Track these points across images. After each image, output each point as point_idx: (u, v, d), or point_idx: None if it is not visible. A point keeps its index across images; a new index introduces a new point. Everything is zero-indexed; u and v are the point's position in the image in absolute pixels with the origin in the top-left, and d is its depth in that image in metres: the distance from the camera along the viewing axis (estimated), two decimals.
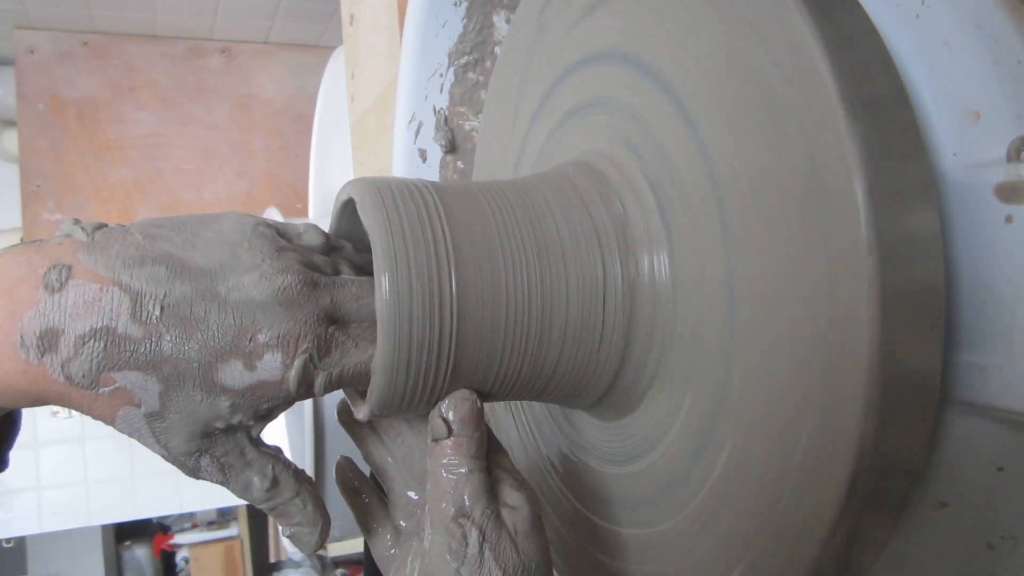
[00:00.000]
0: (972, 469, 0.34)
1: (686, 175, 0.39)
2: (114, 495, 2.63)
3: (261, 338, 0.35)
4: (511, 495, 0.40)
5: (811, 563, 0.33)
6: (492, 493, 0.40)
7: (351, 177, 1.35)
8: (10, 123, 2.30)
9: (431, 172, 0.74)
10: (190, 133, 2.14)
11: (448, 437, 0.40)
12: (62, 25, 2.05)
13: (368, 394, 0.39)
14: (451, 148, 0.73)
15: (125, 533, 3.08)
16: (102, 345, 0.33)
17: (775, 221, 0.34)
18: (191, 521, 3.12)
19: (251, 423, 0.38)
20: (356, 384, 0.39)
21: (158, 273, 0.35)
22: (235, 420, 0.37)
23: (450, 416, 0.40)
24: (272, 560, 2.93)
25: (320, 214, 1.68)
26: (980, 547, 0.34)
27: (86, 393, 0.34)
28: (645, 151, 0.42)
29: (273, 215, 1.45)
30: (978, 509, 0.34)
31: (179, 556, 3.09)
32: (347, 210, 0.42)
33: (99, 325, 0.33)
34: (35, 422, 2.55)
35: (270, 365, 0.36)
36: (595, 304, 0.41)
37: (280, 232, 0.40)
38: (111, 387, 0.34)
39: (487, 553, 0.38)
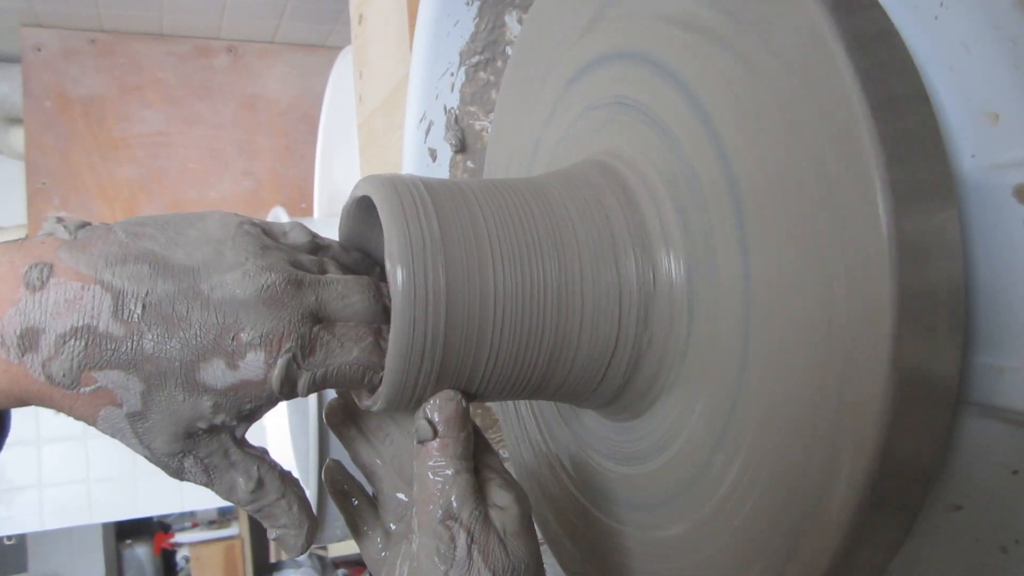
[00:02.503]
0: (986, 472, 0.34)
1: (703, 175, 0.39)
2: (115, 493, 2.63)
3: (244, 337, 0.35)
4: (500, 495, 0.40)
5: (825, 565, 0.33)
6: (480, 494, 0.40)
7: (357, 177, 1.35)
8: (16, 120, 2.30)
9: (441, 171, 0.74)
10: (196, 132, 2.14)
11: (434, 439, 0.39)
12: (69, 23, 2.05)
13: (381, 386, 0.39)
14: (461, 147, 0.72)
15: (126, 531, 3.07)
16: (83, 344, 0.33)
17: (793, 221, 0.34)
18: (192, 520, 3.12)
19: (234, 423, 0.37)
20: (340, 385, 0.39)
21: (140, 271, 0.34)
22: (218, 420, 0.36)
23: (435, 417, 0.39)
24: (272, 560, 2.93)
25: (325, 214, 1.68)
26: (993, 550, 0.34)
27: (67, 393, 0.34)
28: (661, 151, 0.42)
29: (279, 215, 1.45)
30: (992, 512, 0.34)
31: (179, 555, 3.09)
32: (359, 206, 0.42)
33: (80, 324, 0.33)
34: (37, 419, 2.55)
35: (253, 364, 0.35)
36: (609, 304, 0.41)
37: (265, 231, 0.39)
38: (92, 387, 0.34)
39: (476, 555, 0.38)
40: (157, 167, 2.10)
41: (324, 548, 2.66)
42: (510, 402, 0.62)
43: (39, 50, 2.04)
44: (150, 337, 0.34)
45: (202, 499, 2.72)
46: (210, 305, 0.35)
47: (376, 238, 0.44)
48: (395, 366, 0.38)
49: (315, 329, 0.37)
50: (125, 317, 0.34)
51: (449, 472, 0.39)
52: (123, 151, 2.07)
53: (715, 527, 0.39)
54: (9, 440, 0.40)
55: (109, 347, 0.34)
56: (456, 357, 0.39)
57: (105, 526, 2.95)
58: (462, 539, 0.38)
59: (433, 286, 0.38)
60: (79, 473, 2.61)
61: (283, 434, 1.57)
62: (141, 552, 3.10)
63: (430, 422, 0.39)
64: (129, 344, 0.34)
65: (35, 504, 2.57)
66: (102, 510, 2.64)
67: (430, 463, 0.39)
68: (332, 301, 0.38)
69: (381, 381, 0.39)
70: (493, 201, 0.41)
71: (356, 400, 0.42)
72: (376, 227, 0.42)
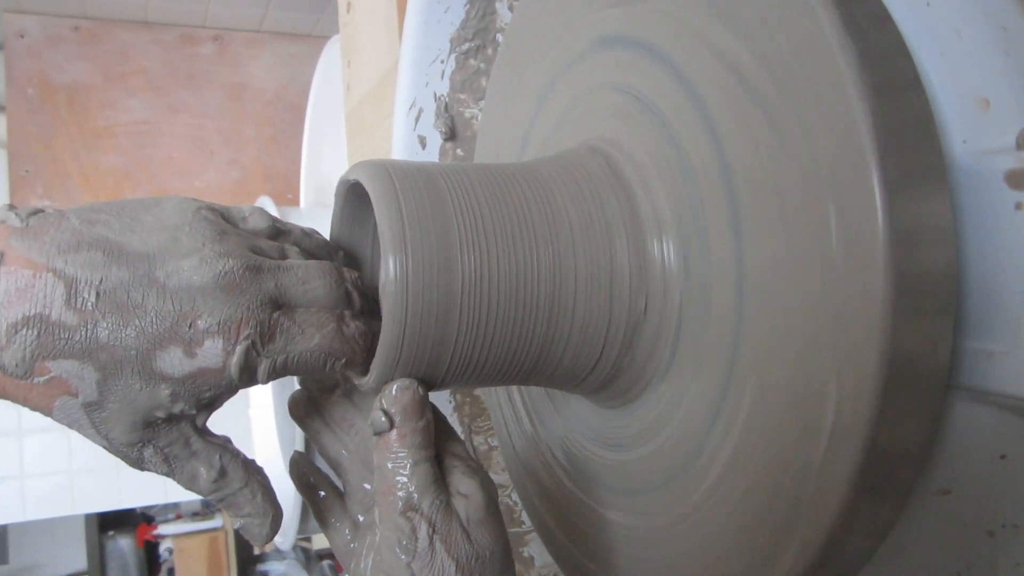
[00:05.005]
0: (975, 456, 0.34)
1: (696, 160, 0.39)
2: (98, 484, 2.61)
3: (201, 324, 0.35)
4: (463, 483, 0.40)
5: (816, 550, 0.33)
6: (441, 483, 0.39)
7: (344, 167, 1.34)
8: None
9: (431, 159, 0.74)
10: (181, 121, 2.12)
11: (391, 429, 0.39)
12: (53, 9, 2.03)
13: (372, 368, 0.39)
14: (451, 135, 0.72)
15: (108, 523, 3.05)
16: (35, 333, 0.33)
17: (787, 207, 0.34)
18: (175, 511, 3.11)
19: (194, 412, 0.37)
20: (302, 372, 0.39)
21: (94, 258, 0.34)
22: (176, 409, 0.36)
23: (391, 408, 0.39)
24: (256, 552, 2.92)
25: (312, 204, 1.68)
26: (981, 534, 0.35)
27: (20, 383, 0.34)
28: (654, 136, 0.42)
29: (265, 204, 1.44)
30: (980, 496, 0.34)
31: (163, 547, 3.07)
32: (351, 193, 0.42)
33: (32, 312, 0.33)
34: (19, 409, 2.53)
35: (211, 352, 0.35)
36: (601, 288, 0.41)
37: (225, 216, 0.39)
38: (46, 376, 0.33)
39: (438, 545, 0.37)
40: (142, 156, 2.08)
41: (308, 540, 2.65)
42: (500, 389, 0.62)
43: (22, 36, 2.02)
44: (105, 325, 0.33)
45: (185, 491, 2.71)
46: (166, 292, 0.34)
47: (368, 222, 0.44)
48: (388, 342, 0.38)
49: (275, 315, 0.36)
50: (78, 305, 0.33)
51: (408, 463, 0.38)
52: (107, 140, 2.05)
53: (705, 513, 0.40)
54: None
55: (62, 336, 0.33)
56: (446, 342, 0.39)
57: (87, 517, 2.92)
58: (423, 530, 0.37)
59: (426, 271, 0.38)
60: (61, 464, 2.59)
61: (268, 424, 1.56)
62: (124, 544, 3.08)
63: (386, 413, 0.39)
64: (83, 333, 0.33)
65: (16, 495, 2.55)
66: (84, 501, 2.62)
67: (388, 454, 0.39)
68: (292, 287, 0.37)
69: (346, 365, 0.39)
70: (486, 185, 0.41)
71: (351, 379, 0.42)
72: (367, 212, 0.42)
